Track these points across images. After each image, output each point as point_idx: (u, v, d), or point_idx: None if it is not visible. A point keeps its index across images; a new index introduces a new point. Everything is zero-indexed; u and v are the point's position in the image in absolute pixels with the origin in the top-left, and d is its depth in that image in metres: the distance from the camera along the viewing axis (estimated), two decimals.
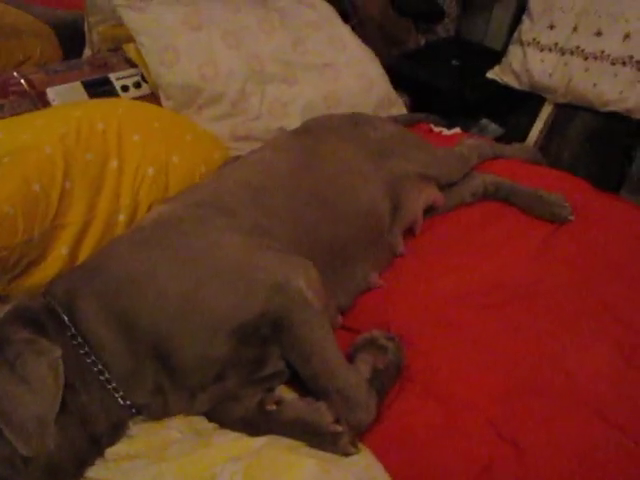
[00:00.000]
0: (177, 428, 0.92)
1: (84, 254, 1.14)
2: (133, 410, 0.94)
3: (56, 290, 0.98)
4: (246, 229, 1.04)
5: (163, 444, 0.88)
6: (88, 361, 0.91)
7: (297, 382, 0.95)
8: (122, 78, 1.61)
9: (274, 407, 0.90)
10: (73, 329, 0.92)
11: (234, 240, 1.00)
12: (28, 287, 1.10)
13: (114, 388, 0.92)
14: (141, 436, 0.91)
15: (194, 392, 0.94)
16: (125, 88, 1.59)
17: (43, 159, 1.10)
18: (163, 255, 0.96)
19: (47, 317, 0.93)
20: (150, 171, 1.23)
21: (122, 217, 1.18)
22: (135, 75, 1.62)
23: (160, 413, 0.95)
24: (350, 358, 0.98)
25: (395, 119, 1.69)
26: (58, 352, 0.87)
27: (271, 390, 0.97)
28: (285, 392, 0.97)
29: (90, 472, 0.87)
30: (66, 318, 0.93)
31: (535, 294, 1.16)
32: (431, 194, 1.42)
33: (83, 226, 1.13)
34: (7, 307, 1.02)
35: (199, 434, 0.90)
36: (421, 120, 1.83)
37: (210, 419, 0.96)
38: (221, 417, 0.95)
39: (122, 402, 0.92)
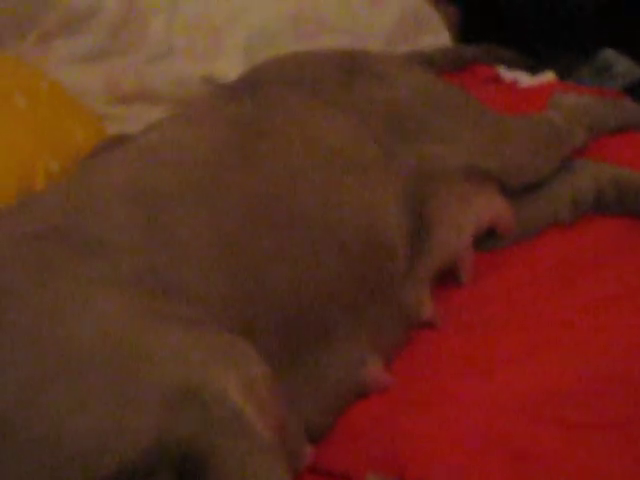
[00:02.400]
0: None
1: None
2: None
3: None
4: (131, 280, 1.08)
5: None
6: None
7: None
8: None
9: None
10: None
11: (108, 302, 1.03)
12: None
13: None
14: None
15: None
16: None
17: None
18: None
19: None
20: None
21: None
22: None
23: None
24: None
25: (426, 58, 1.74)
26: None
27: None
28: None
29: None
30: None
31: None
32: (490, 207, 1.47)
33: None
34: None
35: None
36: (478, 58, 1.88)
37: None
38: None
39: None
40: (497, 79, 1.85)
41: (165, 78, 1.69)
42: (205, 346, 1.03)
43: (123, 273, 1.09)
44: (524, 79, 1.85)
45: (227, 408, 0.97)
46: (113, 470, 0.93)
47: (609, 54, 2.23)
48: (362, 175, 1.33)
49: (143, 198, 1.19)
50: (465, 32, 2.08)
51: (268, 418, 1.01)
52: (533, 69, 1.89)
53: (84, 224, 1.14)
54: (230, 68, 1.65)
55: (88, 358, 0.98)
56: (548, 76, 1.87)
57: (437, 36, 1.93)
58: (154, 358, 0.99)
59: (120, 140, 1.43)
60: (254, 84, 1.45)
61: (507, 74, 1.86)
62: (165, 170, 1.25)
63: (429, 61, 1.73)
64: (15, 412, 0.95)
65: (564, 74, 1.96)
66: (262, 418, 0.99)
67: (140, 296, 1.07)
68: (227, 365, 1.01)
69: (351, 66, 1.50)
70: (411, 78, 1.52)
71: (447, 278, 1.45)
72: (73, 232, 1.13)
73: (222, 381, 0.98)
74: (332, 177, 1.31)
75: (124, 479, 0.93)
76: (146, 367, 0.98)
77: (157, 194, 1.20)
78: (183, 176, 1.24)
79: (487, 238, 1.50)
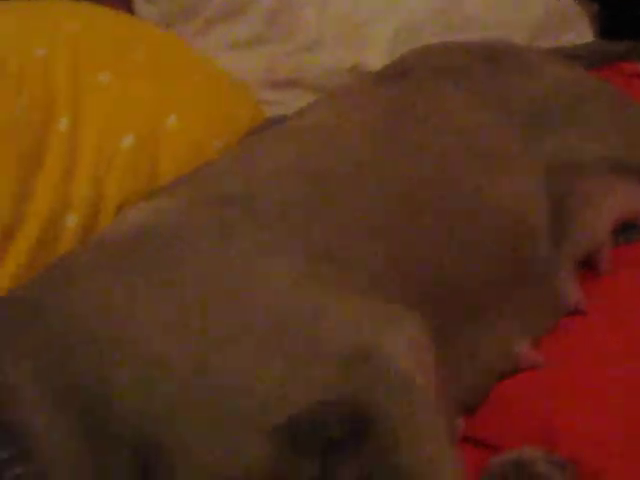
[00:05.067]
0: None
1: (1, 282, 1.26)
2: None
3: None
4: (301, 250, 1.13)
5: None
6: (14, 473, 0.97)
7: None
8: None
9: None
10: None
11: (281, 268, 1.09)
12: None
13: None
14: None
15: None
16: None
17: None
18: (154, 292, 1.06)
19: None
20: (127, 141, 1.34)
21: (72, 220, 1.30)
22: None
23: None
24: None
25: (571, 53, 1.74)
26: None
27: None
28: None
29: None
30: None
31: None
32: (631, 199, 1.48)
33: (4, 231, 1.25)
34: None
35: None
36: (622, 55, 1.85)
37: None
38: None
39: None
40: None
41: (314, 67, 1.76)
42: (375, 312, 1.07)
43: (296, 243, 1.14)
44: None
45: (397, 372, 1.01)
46: (286, 420, 0.97)
47: None
48: (507, 163, 1.36)
49: (305, 174, 1.24)
50: (606, 29, 2.07)
51: (432, 382, 1.04)
52: None
53: (259, 194, 1.20)
54: (376, 60, 1.70)
55: (268, 319, 1.04)
56: None
57: (580, 33, 1.94)
58: (329, 321, 1.03)
59: (279, 121, 1.49)
60: (404, 72, 1.48)
61: None
62: (323, 149, 1.30)
63: (574, 56, 1.73)
64: (192, 371, 1.00)
65: None
66: (428, 383, 1.03)
67: (310, 264, 1.12)
68: (396, 331, 1.05)
69: (496, 56, 1.51)
70: (556, 69, 1.53)
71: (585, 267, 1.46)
72: (250, 201, 1.18)
73: (392, 345, 1.03)
74: (479, 165, 1.33)
75: (294, 430, 0.98)
76: (321, 330, 1.03)
77: (318, 171, 1.25)
78: (341, 156, 1.29)
79: (628, 228, 1.50)
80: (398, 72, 1.50)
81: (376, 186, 1.25)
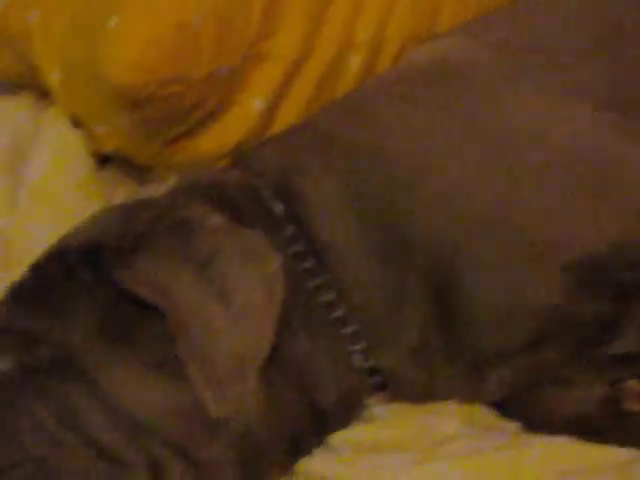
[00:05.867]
0: (451, 417, 1.06)
1: (286, 115, 1.32)
2: (376, 378, 1.07)
3: (261, 163, 1.14)
4: (595, 98, 1.14)
5: (432, 437, 1.03)
6: (314, 284, 1.05)
7: None
8: None
9: (638, 407, 1.02)
10: (293, 228, 1.06)
11: (582, 111, 1.11)
12: (188, 160, 1.31)
13: (352, 335, 1.05)
14: (391, 422, 1.06)
15: (484, 363, 1.06)
16: None
17: None
18: (456, 126, 1.10)
19: (250, 203, 1.08)
20: None
21: (356, 59, 1.34)
22: None
23: (418, 391, 1.08)
24: None
25: None
26: (278, 259, 0.98)
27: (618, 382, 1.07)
28: None
29: (309, 464, 1.02)
30: (282, 208, 1.08)
31: None
32: None
33: (293, 65, 1.30)
34: (159, 188, 1.23)
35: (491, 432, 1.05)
36: None
37: (508, 414, 1.08)
38: (530, 412, 1.07)
39: (361, 361, 1.06)
40: None
41: None
42: None
43: (588, 91, 1.15)
44: None
45: None
46: (581, 257, 1.01)
47: None
48: None
49: (593, 28, 1.25)
50: None
51: None
52: None
53: (541, 42, 1.23)
54: None
55: (570, 159, 1.06)
56: None
57: None
58: (631, 168, 1.06)
59: None
60: None
61: None
62: (611, 3, 1.31)
63: None
64: (493, 202, 1.05)
65: None
66: None
67: (604, 112, 1.12)
68: None
69: None
70: None
71: None
72: (534, 47, 1.22)
73: None
74: None
75: (588, 269, 1.01)
76: (623, 175, 1.05)
77: (609, 24, 1.26)
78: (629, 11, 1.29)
79: None
80: None
81: None
